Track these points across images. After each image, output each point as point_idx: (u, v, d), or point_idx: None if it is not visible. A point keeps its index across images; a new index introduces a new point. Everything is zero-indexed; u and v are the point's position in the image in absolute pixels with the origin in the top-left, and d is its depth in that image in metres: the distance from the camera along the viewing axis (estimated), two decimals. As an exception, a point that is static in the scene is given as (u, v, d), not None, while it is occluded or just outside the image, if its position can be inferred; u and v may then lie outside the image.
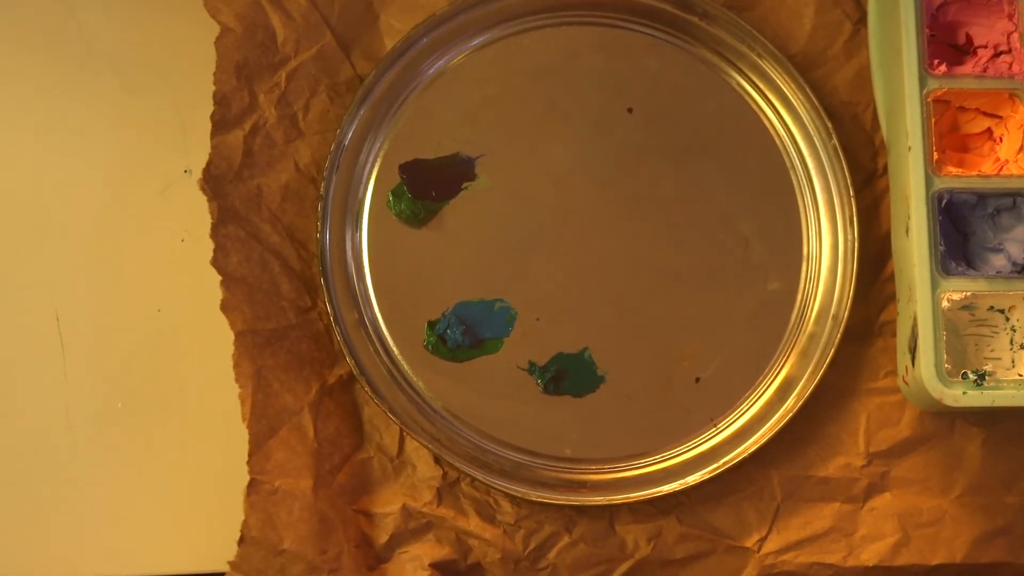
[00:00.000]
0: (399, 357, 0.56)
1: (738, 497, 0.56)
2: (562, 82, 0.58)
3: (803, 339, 0.57)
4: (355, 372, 0.55)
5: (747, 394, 0.56)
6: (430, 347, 0.56)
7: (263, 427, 0.54)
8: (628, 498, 0.55)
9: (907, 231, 0.54)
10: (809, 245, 0.57)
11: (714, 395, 0.56)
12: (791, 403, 0.56)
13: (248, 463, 0.53)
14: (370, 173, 0.57)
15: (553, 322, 0.56)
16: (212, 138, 0.55)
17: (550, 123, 0.58)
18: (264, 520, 0.53)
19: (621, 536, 0.55)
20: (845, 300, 0.56)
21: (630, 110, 0.58)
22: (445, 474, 0.55)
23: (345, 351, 0.55)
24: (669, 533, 0.55)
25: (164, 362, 0.58)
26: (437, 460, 0.55)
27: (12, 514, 0.57)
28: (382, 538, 0.55)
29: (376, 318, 0.56)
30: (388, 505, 0.55)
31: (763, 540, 0.55)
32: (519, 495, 0.54)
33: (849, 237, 0.57)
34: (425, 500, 0.55)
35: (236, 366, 0.54)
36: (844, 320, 0.56)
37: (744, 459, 0.55)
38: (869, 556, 0.55)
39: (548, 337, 0.56)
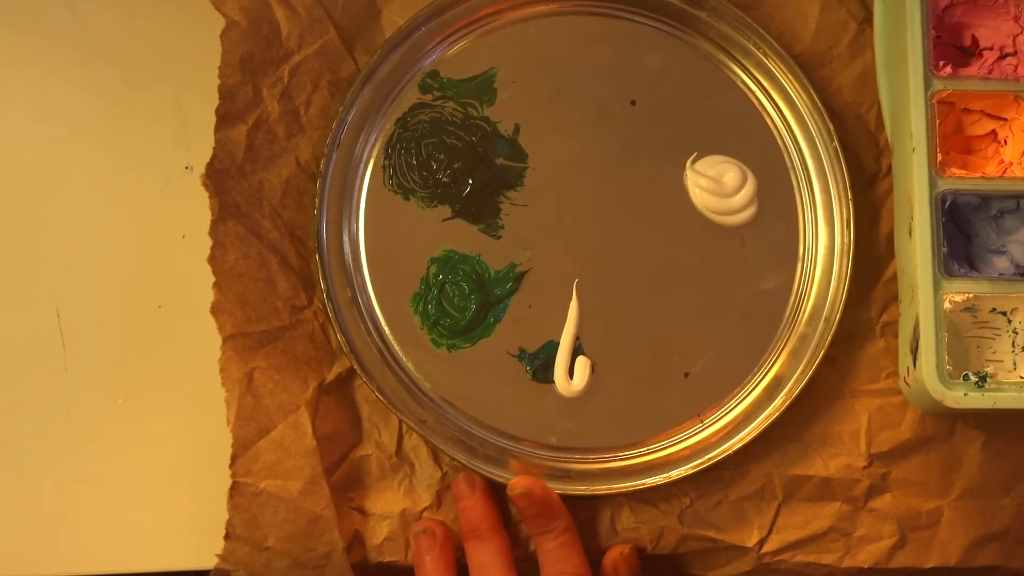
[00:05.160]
0: (391, 339, 0.56)
1: (740, 497, 0.56)
2: (566, 72, 0.58)
3: (794, 339, 0.57)
4: (344, 350, 0.55)
5: (735, 391, 0.56)
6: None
7: (251, 430, 0.54)
8: (611, 489, 0.55)
9: (910, 232, 0.54)
10: (805, 245, 0.57)
11: (702, 391, 0.56)
12: (778, 402, 0.56)
13: (231, 466, 0.53)
14: (368, 157, 0.57)
15: (545, 310, 0.56)
16: (216, 132, 0.55)
17: (553, 112, 0.58)
18: (248, 520, 0.53)
19: (623, 537, 0.55)
20: (838, 302, 0.56)
21: (633, 102, 0.58)
22: (444, 474, 0.55)
23: (337, 330, 0.55)
24: (671, 535, 0.55)
25: (164, 358, 0.58)
26: (436, 459, 0.56)
27: (12, 509, 0.57)
28: (375, 539, 0.55)
29: (371, 301, 0.56)
30: (386, 507, 0.55)
31: (764, 540, 0.55)
32: (503, 481, 0.54)
33: (845, 240, 0.56)
34: (424, 504, 0.55)
35: (223, 370, 0.54)
36: (836, 322, 0.56)
37: (729, 456, 0.55)
38: (865, 557, 0.55)
39: (540, 324, 0.56)
